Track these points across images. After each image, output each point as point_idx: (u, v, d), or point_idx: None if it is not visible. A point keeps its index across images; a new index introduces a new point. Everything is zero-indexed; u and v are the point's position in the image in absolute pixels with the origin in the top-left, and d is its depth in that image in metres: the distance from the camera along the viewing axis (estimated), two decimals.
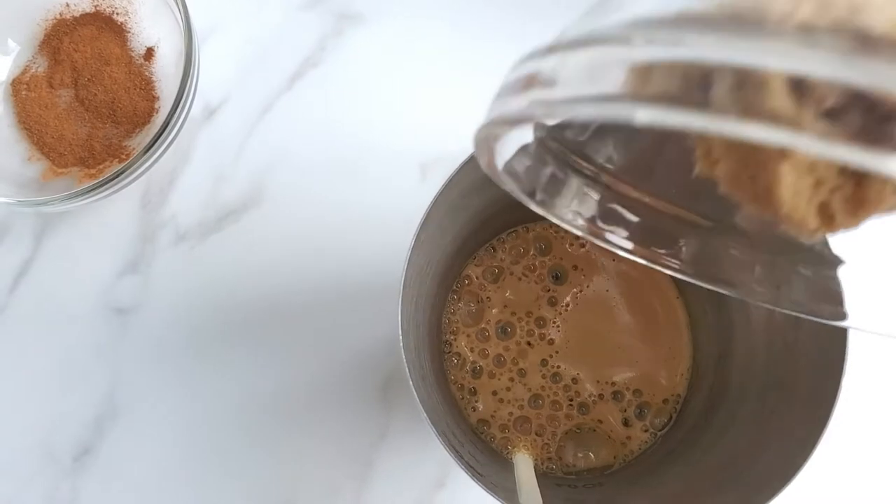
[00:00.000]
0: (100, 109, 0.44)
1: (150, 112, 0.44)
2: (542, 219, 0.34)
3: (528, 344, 0.38)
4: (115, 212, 0.44)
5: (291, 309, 0.44)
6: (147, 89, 0.45)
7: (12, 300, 0.44)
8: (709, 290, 0.33)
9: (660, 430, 0.37)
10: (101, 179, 0.40)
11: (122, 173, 0.40)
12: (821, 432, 0.28)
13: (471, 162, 0.28)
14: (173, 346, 0.44)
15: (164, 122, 0.40)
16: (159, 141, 0.40)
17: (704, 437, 0.34)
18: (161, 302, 0.44)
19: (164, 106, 0.44)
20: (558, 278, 0.38)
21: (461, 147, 0.45)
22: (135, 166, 0.40)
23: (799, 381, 0.30)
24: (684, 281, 0.31)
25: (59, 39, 0.45)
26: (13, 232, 0.44)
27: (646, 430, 0.37)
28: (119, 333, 0.44)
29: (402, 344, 0.28)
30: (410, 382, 0.27)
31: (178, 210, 0.45)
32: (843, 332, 0.28)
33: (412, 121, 0.46)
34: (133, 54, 0.45)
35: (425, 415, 0.27)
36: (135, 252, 0.44)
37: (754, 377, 0.33)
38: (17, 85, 0.44)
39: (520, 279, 0.38)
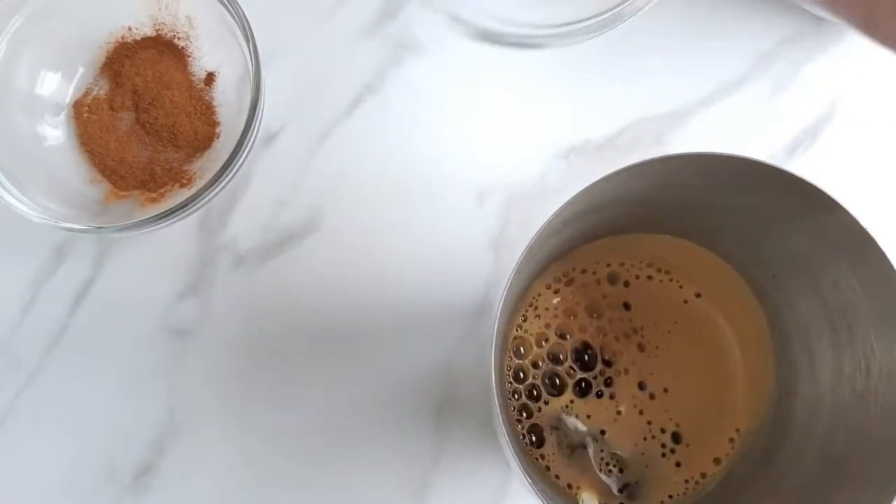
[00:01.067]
0: (161, 133, 0.44)
1: (210, 137, 0.45)
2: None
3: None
4: (175, 235, 0.45)
5: (348, 333, 0.45)
6: (207, 114, 0.45)
7: (73, 321, 0.45)
8: (776, 330, 0.34)
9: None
10: (170, 209, 0.40)
11: (191, 202, 0.40)
12: None
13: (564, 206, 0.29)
14: (233, 369, 0.45)
15: (235, 148, 0.41)
16: (229, 168, 0.41)
17: (767, 479, 0.35)
18: (220, 325, 0.45)
19: (225, 131, 0.45)
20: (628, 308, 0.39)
21: (518, 177, 0.46)
22: (204, 194, 0.41)
23: (873, 428, 0.31)
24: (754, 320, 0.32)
25: (120, 63, 0.45)
26: (74, 253, 0.45)
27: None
28: (179, 355, 0.45)
29: (496, 401, 0.28)
30: (506, 438, 0.28)
31: (238, 233, 0.45)
32: None
33: (469, 148, 0.46)
34: (193, 79, 0.45)
35: (522, 471, 0.28)
36: (194, 275, 0.45)
37: (819, 420, 0.34)
38: (79, 107, 0.45)
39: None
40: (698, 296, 0.39)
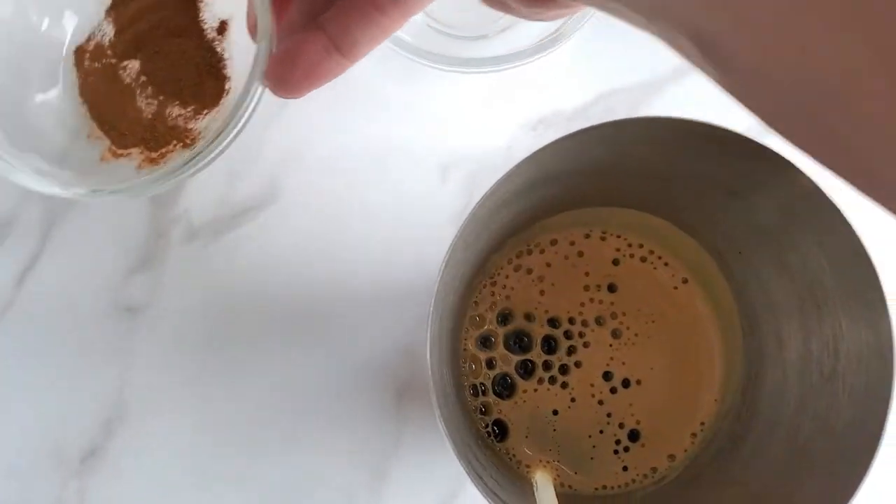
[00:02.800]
0: (166, 86, 0.40)
1: (219, 93, 0.41)
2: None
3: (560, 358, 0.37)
4: (124, 207, 0.43)
5: (305, 312, 0.43)
6: (218, 67, 0.41)
7: (19, 295, 0.43)
8: (745, 310, 0.33)
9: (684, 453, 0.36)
10: (169, 169, 0.35)
11: (192, 161, 0.35)
12: (865, 470, 0.27)
13: (507, 176, 0.27)
14: (184, 347, 0.43)
15: (240, 101, 0.35)
16: (235, 125, 0.35)
17: (732, 466, 0.34)
18: (172, 301, 0.43)
19: (236, 87, 0.40)
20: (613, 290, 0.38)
21: (484, 149, 0.44)
22: (206, 151, 0.36)
23: (838, 414, 0.29)
24: (723, 300, 0.30)
25: (125, 5, 0.41)
26: (20, 224, 0.43)
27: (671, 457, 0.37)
28: (129, 332, 0.43)
29: (430, 371, 0.27)
30: (438, 415, 0.26)
31: (191, 206, 0.43)
32: (888, 366, 0.27)
33: (433, 120, 0.44)
34: (205, 27, 0.41)
35: (455, 449, 0.26)
36: (146, 249, 0.43)
37: (786, 405, 0.33)
38: (81, 54, 0.41)
39: (553, 284, 0.38)
40: (685, 281, 0.37)
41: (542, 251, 0.37)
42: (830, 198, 0.27)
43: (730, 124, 0.43)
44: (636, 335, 0.37)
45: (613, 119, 0.27)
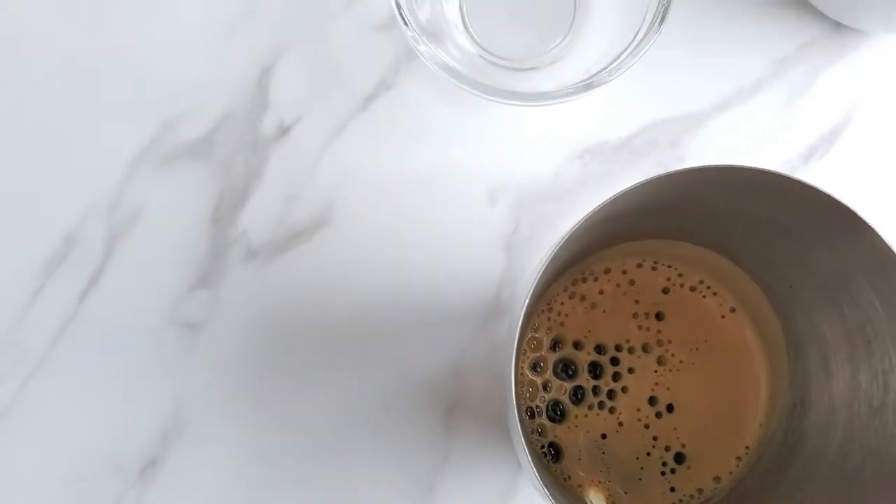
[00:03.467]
0: None
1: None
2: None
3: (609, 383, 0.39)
4: (187, 227, 0.45)
5: (358, 330, 0.45)
6: None
7: (81, 309, 0.44)
8: (792, 340, 0.34)
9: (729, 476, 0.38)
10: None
11: None
12: None
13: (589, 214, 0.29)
14: (241, 363, 0.44)
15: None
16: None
17: (779, 489, 0.35)
18: (230, 318, 0.45)
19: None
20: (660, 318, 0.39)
21: (531, 176, 0.46)
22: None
23: (888, 446, 0.31)
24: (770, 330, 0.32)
25: None
26: (84, 240, 0.45)
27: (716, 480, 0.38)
28: (188, 348, 0.44)
29: (511, 389, 0.28)
30: (520, 431, 0.28)
31: (250, 227, 0.45)
32: None
33: (483, 146, 0.46)
34: None
35: (531, 468, 0.28)
36: (205, 267, 0.45)
37: (833, 433, 0.34)
38: None
39: (605, 312, 0.39)
40: (733, 310, 0.39)
41: (595, 279, 0.39)
42: (889, 247, 0.29)
43: (768, 156, 0.45)
44: (681, 362, 0.39)
45: (699, 165, 0.28)
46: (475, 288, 0.46)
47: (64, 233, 0.45)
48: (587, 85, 0.41)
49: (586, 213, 0.29)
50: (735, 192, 0.31)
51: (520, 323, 0.28)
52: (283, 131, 0.46)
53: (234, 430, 0.44)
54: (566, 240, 0.28)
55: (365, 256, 0.45)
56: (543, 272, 0.29)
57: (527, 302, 0.28)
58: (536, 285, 0.28)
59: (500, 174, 0.46)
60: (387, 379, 0.45)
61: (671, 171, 0.29)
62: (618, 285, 0.39)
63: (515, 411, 0.28)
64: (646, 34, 0.40)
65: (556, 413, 0.38)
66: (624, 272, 0.39)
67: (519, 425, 0.28)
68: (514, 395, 0.28)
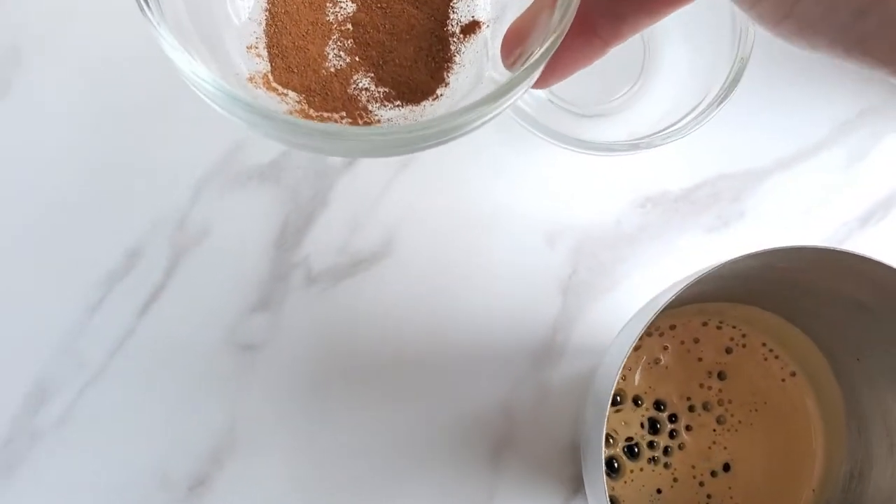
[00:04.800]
0: (370, 49, 0.33)
1: (426, 92, 0.33)
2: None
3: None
4: (250, 247, 0.45)
5: (411, 362, 0.45)
6: (441, 64, 0.33)
7: (140, 326, 0.45)
8: (854, 411, 0.35)
9: None
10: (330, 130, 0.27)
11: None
12: None
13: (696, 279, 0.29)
14: (295, 387, 0.45)
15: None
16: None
17: None
18: (288, 342, 0.45)
19: (447, 99, 0.33)
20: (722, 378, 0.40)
21: (592, 221, 0.46)
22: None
23: None
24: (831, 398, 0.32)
25: None
26: (146, 257, 0.45)
27: None
28: (244, 369, 0.45)
29: (601, 455, 0.29)
30: (604, 483, 0.28)
31: (312, 252, 0.45)
32: None
33: (546, 189, 0.46)
34: (452, 14, 0.34)
35: None
36: (266, 290, 0.45)
37: None
38: None
39: (667, 368, 0.40)
40: (793, 374, 0.39)
41: (661, 334, 0.39)
42: None
43: (826, 217, 0.45)
44: (740, 422, 0.40)
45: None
46: (530, 329, 0.46)
47: (129, 247, 0.45)
48: (649, 143, 0.41)
49: (683, 276, 0.29)
50: (814, 266, 0.32)
51: (617, 375, 0.29)
52: (350, 162, 0.46)
53: (284, 453, 0.44)
54: (670, 300, 0.29)
55: (423, 289, 0.46)
56: (628, 328, 0.29)
57: (625, 358, 0.29)
58: (637, 340, 0.29)
59: (561, 218, 0.46)
60: (437, 412, 0.45)
61: (775, 247, 0.30)
62: (682, 342, 0.40)
63: (603, 465, 0.29)
64: (713, 100, 0.41)
65: (612, 468, 0.39)
66: (689, 330, 0.40)
67: (604, 484, 0.29)
68: (602, 450, 0.29)
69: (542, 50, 0.26)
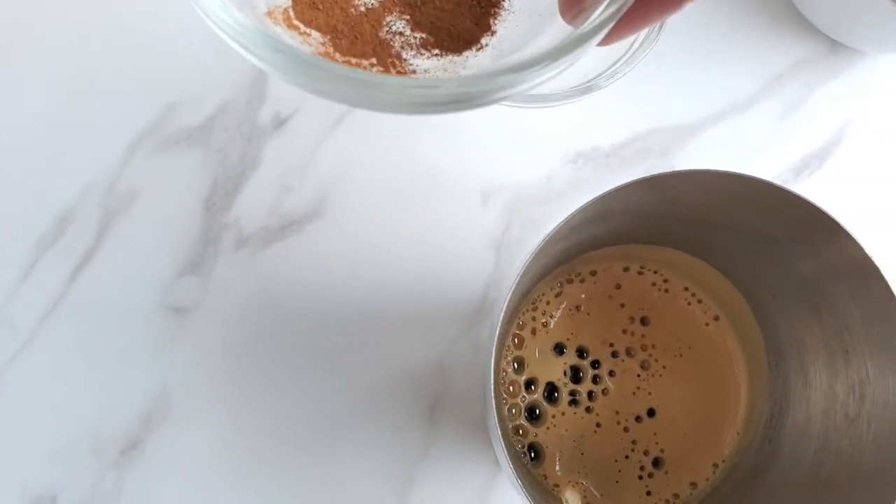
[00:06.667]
0: None
1: (470, 41, 0.30)
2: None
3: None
4: (179, 212, 0.45)
5: (345, 323, 0.45)
6: (488, 10, 0.30)
7: (72, 289, 0.45)
8: (773, 349, 0.35)
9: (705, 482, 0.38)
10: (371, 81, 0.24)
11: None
12: None
13: (572, 214, 0.29)
14: (227, 350, 0.45)
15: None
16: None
17: (753, 496, 0.36)
18: (218, 305, 0.45)
19: (493, 49, 0.30)
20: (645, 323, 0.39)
21: (524, 179, 0.46)
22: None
23: (862, 455, 0.31)
24: (752, 339, 0.32)
25: None
26: (78, 220, 0.45)
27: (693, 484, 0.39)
28: (175, 332, 0.45)
29: (493, 403, 0.29)
30: (498, 434, 0.28)
31: (242, 215, 0.45)
32: None
33: (478, 147, 0.46)
34: None
35: (511, 469, 0.28)
36: (196, 253, 0.45)
37: (808, 442, 0.35)
38: None
39: (589, 314, 0.39)
40: (717, 318, 0.39)
41: (582, 280, 0.39)
42: (869, 256, 0.29)
43: (759, 170, 0.45)
44: (664, 367, 0.39)
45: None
46: (463, 287, 0.46)
47: (59, 212, 0.45)
48: (584, 89, 0.41)
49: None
50: (723, 200, 0.32)
51: (501, 316, 0.29)
52: (280, 123, 0.46)
53: (217, 416, 0.44)
54: (551, 237, 0.29)
55: (355, 250, 0.46)
56: (527, 268, 0.29)
57: (509, 296, 0.29)
58: (520, 280, 0.29)
59: (494, 175, 0.46)
60: (372, 372, 0.45)
61: (659, 172, 0.30)
62: (604, 288, 0.40)
63: (495, 411, 0.29)
64: (643, 42, 0.41)
65: (533, 415, 0.39)
66: (611, 275, 0.40)
67: (498, 425, 0.28)
68: (493, 394, 0.29)
69: (619, 4, 0.23)
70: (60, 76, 0.46)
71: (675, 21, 0.41)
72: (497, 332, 0.28)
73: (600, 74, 0.42)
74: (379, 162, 0.46)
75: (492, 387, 0.29)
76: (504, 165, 0.47)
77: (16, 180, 0.45)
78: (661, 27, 0.41)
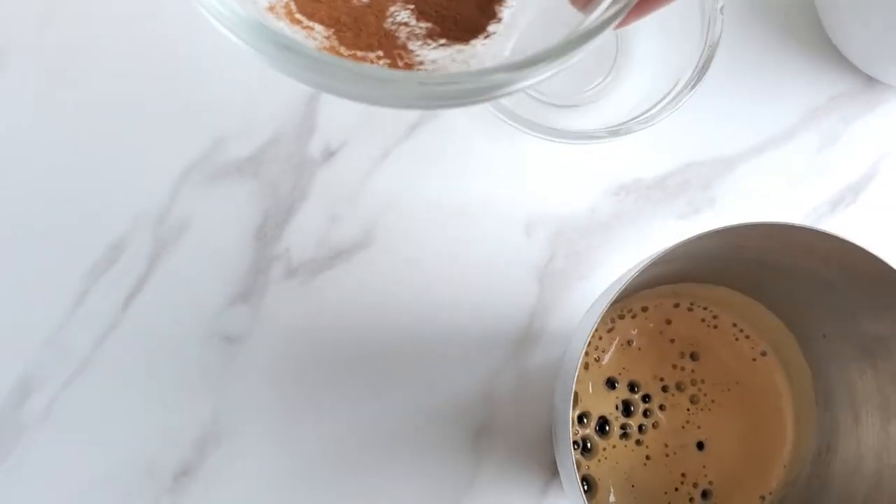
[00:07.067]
0: None
1: (477, 28, 0.29)
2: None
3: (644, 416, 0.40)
4: (231, 241, 0.46)
5: (392, 352, 0.46)
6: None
7: (124, 318, 0.45)
8: (821, 387, 0.35)
9: None
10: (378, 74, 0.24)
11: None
12: None
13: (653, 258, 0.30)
14: (277, 378, 0.45)
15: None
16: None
17: None
18: (268, 334, 0.46)
19: (501, 37, 0.29)
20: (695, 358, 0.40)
21: (567, 210, 0.47)
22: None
23: None
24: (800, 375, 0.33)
25: None
26: (130, 249, 0.46)
27: None
28: (226, 361, 0.45)
29: (559, 417, 0.30)
30: (572, 462, 0.29)
31: (292, 245, 0.46)
32: None
33: (522, 178, 0.47)
34: None
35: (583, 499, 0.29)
36: (247, 283, 0.46)
37: (861, 480, 0.36)
38: None
39: (640, 350, 0.40)
40: (764, 354, 0.40)
41: (633, 316, 0.40)
42: None
43: (796, 202, 0.46)
44: (713, 401, 0.40)
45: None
46: (507, 317, 0.47)
47: (111, 241, 0.45)
48: (626, 129, 0.42)
49: (647, 255, 0.30)
50: (786, 248, 0.33)
51: (581, 356, 0.29)
52: (329, 154, 0.47)
53: (268, 443, 0.45)
54: (630, 279, 0.30)
55: (402, 279, 0.46)
56: (591, 310, 0.30)
57: (588, 338, 0.29)
58: (599, 321, 0.30)
59: (538, 207, 0.47)
60: (418, 400, 0.46)
61: (736, 224, 0.30)
62: (655, 324, 0.40)
63: (570, 444, 0.30)
64: (685, 86, 0.42)
65: (586, 448, 0.40)
66: (661, 311, 0.40)
67: (573, 461, 0.29)
68: (570, 430, 0.29)
69: None
70: (111, 106, 0.47)
71: (716, 57, 0.42)
72: (577, 370, 0.29)
73: (642, 114, 0.43)
74: (424, 192, 0.47)
75: (569, 427, 0.29)
76: (547, 198, 0.47)
77: (70, 210, 0.45)
78: (704, 70, 0.42)
